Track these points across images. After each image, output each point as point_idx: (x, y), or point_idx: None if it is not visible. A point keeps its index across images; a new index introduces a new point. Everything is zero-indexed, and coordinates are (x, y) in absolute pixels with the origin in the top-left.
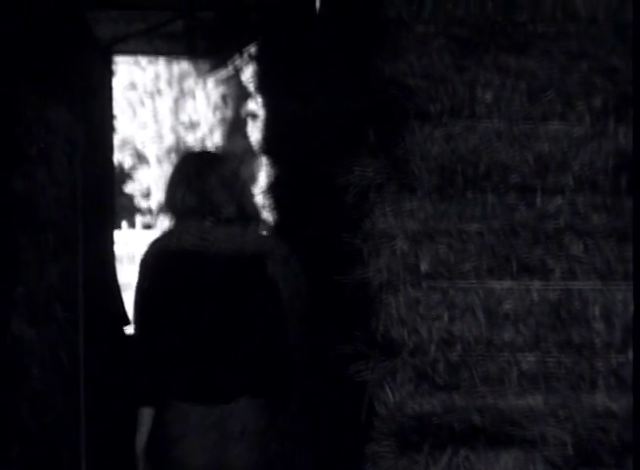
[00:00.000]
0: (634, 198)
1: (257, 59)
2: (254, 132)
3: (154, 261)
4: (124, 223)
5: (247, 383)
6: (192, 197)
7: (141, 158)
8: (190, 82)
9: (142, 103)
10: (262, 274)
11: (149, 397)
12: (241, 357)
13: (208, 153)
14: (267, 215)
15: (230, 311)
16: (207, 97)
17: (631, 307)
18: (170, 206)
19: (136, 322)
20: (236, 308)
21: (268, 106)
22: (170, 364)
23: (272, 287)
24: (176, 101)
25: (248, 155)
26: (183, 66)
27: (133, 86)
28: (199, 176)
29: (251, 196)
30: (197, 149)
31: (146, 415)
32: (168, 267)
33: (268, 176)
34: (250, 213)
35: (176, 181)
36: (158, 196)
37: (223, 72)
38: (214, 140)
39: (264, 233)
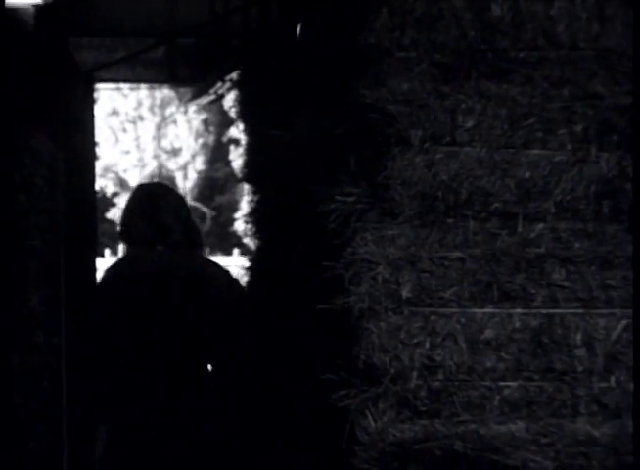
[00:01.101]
0: (634, 203)
1: (239, 85)
2: (237, 158)
3: (109, 286)
4: (107, 250)
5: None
6: (143, 225)
7: (123, 184)
8: (172, 109)
9: (124, 129)
10: (208, 294)
11: (102, 411)
12: (187, 372)
13: (158, 185)
14: (249, 242)
15: (179, 329)
16: (189, 123)
17: (613, 334)
18: (124, 234)
19: (92, 342)
20: (184, 326)
21: (250, 132)
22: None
23: (217, 306)
24: (158, 127)
25: (230, 181)
26: (165, 92)
27: (115, 113)
28: (149, 206)
29: (195, 224)
30: (147, 182)
31: (102, 429)
32: (123, 290)
33: (250, 202)
34: (194, 240)
35: (129, 211)
36: None
37: (205, 99)
38: (196, 166)
39: (208, 258)
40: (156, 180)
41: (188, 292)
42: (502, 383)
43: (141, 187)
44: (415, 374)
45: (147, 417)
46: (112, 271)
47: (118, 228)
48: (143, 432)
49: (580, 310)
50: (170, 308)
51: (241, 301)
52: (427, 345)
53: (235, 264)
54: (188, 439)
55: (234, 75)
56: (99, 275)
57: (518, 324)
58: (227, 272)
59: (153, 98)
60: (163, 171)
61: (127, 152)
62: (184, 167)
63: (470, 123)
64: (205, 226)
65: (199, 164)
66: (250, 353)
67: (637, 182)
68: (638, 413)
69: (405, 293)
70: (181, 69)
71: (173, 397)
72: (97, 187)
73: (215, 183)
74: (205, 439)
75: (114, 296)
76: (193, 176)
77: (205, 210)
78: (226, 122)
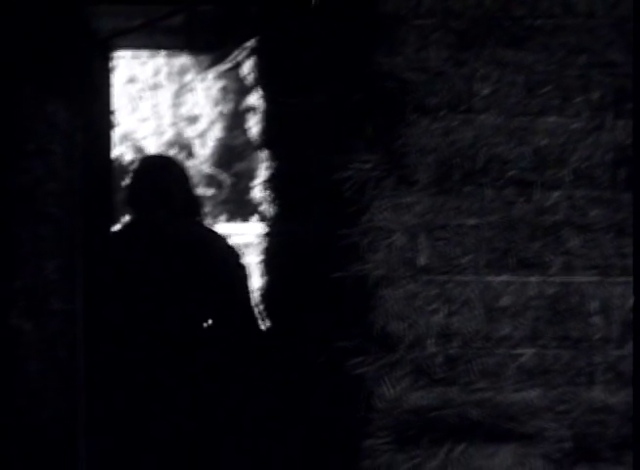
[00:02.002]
0: (634, 191)
1: (257, 53)
2: (254, 126)
3: (118, 248)
4: (125, 217)
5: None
6: (147, 194)
7: (141, 152)
8: (190, 76)
9: (142, 97)
10: (206, 257)
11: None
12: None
13: (161, 157)
14: (266, 208)
15: (179, 289)
16: (207, 91)
17: (630, 301)
18: (130, 200)
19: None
20: (184, 286)
21: (267, 100)
22: None
23: (215, 268)
24: (176, 95)
25: (247, 148)
26: (183, 60)
27: (133, 80)
28: (153, 176)
29: (196, 193)
30: (152, 154)
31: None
32: (127, 252)
33: (267, 169)
34: (194, 208)
35: (134, 180)
36: None
37: (223, 67)
38: (215, 134)
39: (206, 225)
40: (160, 153)
41: (187, 255)
42: (518, 350)
43: (146, 158)
44: (431, 342)
45: (155, 377)
46: (117, 234)
47: (124, 195)
48: (152, 393)
49: (597, 278)
50: (171, 270)
51: (238, 264)
52: (443, 312)
53: (253, 230)
54: (192, 399)
55: (252, 43)
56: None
57: (534, 292)
58: (224, 238)
59: (171, 66)
60: (181, 139)
61: (145, 119)
62: (202, 135)
63: (486, 91)
64: (224, 193)
65: (217, 131)
66: (250, 314)
67: (637, 182)
68: (638, 413)
69: (421, 260)
70: (199, 36)
71: (177, 357)
72: (115, 154)
73: (233, 151)
74: (207, 399)
75: (119, 257)
76: (211, 144)
77: (224, 177)
78: (244, 90)
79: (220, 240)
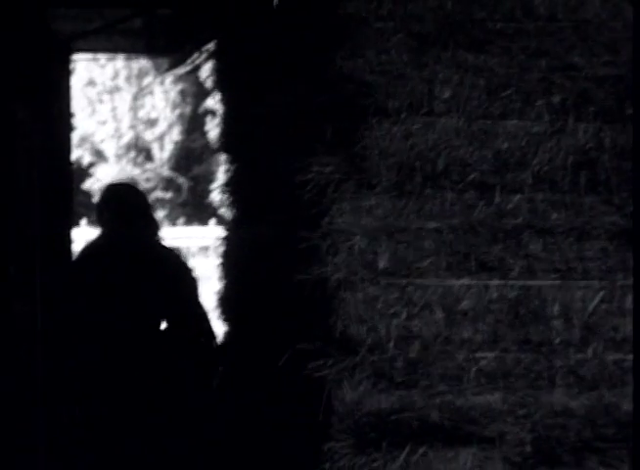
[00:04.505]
0: (634, 195)
1: (216, 56)
2: (213, 129)
3: (83, 260)
4: (83, 220)
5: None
6: (112, 218)
7: (100, 154)
8: (149, 79)
9: (101, 100)
10: (163, 270)
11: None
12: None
13: (124, 185)
14: (225, 212)
15: (139, 298)
16: (166, 94)
17: (590, 305)
18: (98, 222)
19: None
20: (144, 296)
21: (227, 103)
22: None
23: (170, 279)
24: (135, 98)
25: (206, 151)
26: (142, 63)
27: (92, 83)
28: (116, 204)
29: (154, 216)
30: (115, 182)
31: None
32: (94, 264)
33: (226, 173)
34: (153, 228)
35: (100, 208)
36: None
37: (182, 69)
38: (173, 137)
39: (163, 243)
40: (123, 181)
41: (146, 267)
42: (479, 354)
43: (110, 186)
44: (392, 345)
45: (116, 380)
46: (86, 248)
47: (95, 217)
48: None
49: (557, 282)
50: (131, 280)
51: (190, 277)
52: (403, 315)
53: (212, 234)
54: (150, 399)
55: (211, 46)
56: (75, 246)
57: (495, 295)
58: (178, 254)
59: (130, 68)
60: (140, 142)
61: (104, 122)
62: (161, 138)
63: (447, 94)
64: (182, 197)
65: (175, 134)
66: (201, 319)
67: (637, 180)
68: (638, 412)
69: (382, 263)
70: (158, 39)
71: (135, 360)
72: (73, 157)
73: (192, 153)
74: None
75: (86, 269)
76: (169, 147)
77: (182, 180)
78: (203, 93)
79: (174, 255)
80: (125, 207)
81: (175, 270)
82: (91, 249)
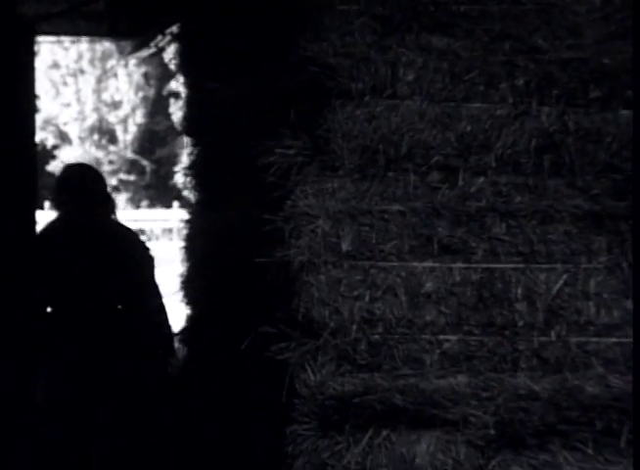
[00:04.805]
0: (633, 187)
1: (179, 38)
2: (177, 111)
3: (43, 241)
4: (46, 203)
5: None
6: (69, 198)
7: (64, 137)
8: (112, 62)
9: (65, 82)
10: (120, 248)
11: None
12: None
13: (81, 165)
14: (189, 195)
15: (97, 276)
16: (130, 76)
17: (554, 288)
18: (55, 203)
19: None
20: (102, 274)
21: (190, 85)
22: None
23: (127, 257)
24: (99, 80)
25: (170, 134)
26: (105, 45)
27: (56, 66)
28: (74, 183)
29: (111, 195)
30: (72, 163)
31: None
32: (53, 245)
33: (190, 155)
34: (109, 207)
35: (58, 187)
36: None
37: (145, 52)
38: (137, 119)
39: (123, 222)
40: (79, 161)
41: (104, 246)
42: (442, 337)
43: (67, 167)
44: (355, 327)
45: (77, 355)
46: (44, 230)
47: (50, 198)
48: (74, 366)
49: (521, 265)
50: (90, 259)
51: (147, 255)
52: (366, 298)
53: (175, 216)
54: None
55: (174, 29)
56: (39, 227)
57: (458, 278)
58: (135, 233)
59: (93, 51)
60: (104, 124)
61: (68, 105)
62: (124, 120)
63: (411, 77)
64: (145, 179)
65: (139, 117)
66: (156, 297)
67: (637, 179)
68: (638, 411)
69: (345, 246)
70: (121, 22)
71: (95, 337)
72: (37, 139)
73: (155, 136)
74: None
75: (46, 250)
76: (133, 129)
77: (145, 162)
78: (166, 76)
79: (132, 234)
80: (82, 186)
81: (133, 249)
82: (49, 230)
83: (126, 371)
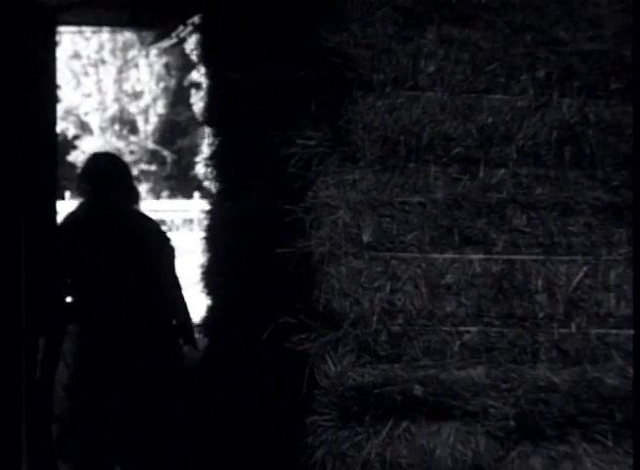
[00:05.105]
0: (634, 180)
1: (200, 29)
2: (198, 102)
3: (66, 229)
4: (67, 193)
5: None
6: (94, 188)
7: (84, 127)
8: (133, 52)
9: (86, 73)
10: (142, 238)
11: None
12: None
13: (107, 155)
14: (209, 185)
15: (122, 266)
16: (151, 67)
17: (574, 280)
18: (80, 191)
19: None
20: (126, 262)
21: (211, 76)
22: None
23: (149, 247)
24: (120, 71)
25: (190, 124)
26: (127, 36)
27: (77, 56)
28: (99, 173)
29: (135, 185)
30: (98, 152)
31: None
32: (77, 233)
33: (211, 146)
34: (134, 198)
35: (84, 176)
36: None
37: (166, 42)
38: (158, 110)
39: (145, 213)
40: (106, 150)
41: (126, 236)
42: (462, 328)
43: (92, 156)
44: (375, 318)
45: (98, 345)
46: (66, 219)
47: (75, 186)
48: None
49: (541, 256)
50: (112, 249)
51: (169, 246)
52: (387, 289)
53: (196, 207)
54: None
55: (195, 19)
56: (59, 218)
57: (478, 269)
58: (158, 224)
59: (114, 41)
60: (125, 115)
61: (89, 95)
62: (145, 111)
63: (432, 68)
64: (166, 170)
65: (160, 107)
66: (175, 287)
67: (637, 177)
68: (638, 410)
69: (366, 237)
70: (143, 12)
71: (119, 328)
72: (58, 129)
73: (176, 127)
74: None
75: (68, 239)
76: (154, 120)
77: (166, 153)
78: (187, 66)
79: (154, 224)
80: (107, 176)
81: (154, 240)
82: (71, 219)
83: (147, 362)
